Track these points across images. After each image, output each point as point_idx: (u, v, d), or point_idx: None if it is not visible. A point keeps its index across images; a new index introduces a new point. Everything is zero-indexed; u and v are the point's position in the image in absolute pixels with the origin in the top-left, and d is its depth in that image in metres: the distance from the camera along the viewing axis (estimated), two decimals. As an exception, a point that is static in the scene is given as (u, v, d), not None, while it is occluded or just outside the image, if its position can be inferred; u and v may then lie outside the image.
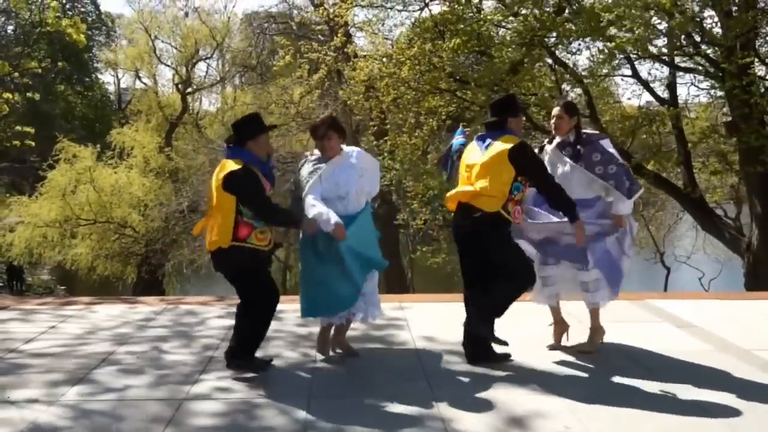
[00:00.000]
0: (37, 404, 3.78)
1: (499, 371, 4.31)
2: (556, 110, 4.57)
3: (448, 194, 4.47)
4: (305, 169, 4.42)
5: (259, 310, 4.24)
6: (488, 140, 4.34)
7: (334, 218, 4.10)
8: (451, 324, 5.44)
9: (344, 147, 4.48)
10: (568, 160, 4.49)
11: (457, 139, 4.76)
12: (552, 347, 4.75)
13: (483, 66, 11.89)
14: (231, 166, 4.11)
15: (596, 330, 4.67)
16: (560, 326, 4.78)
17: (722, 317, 5.72)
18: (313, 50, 14.18)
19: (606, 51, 10.11)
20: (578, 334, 4.82)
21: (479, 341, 4.41)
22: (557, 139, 4.60)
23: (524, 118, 11.37)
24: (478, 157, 4.31)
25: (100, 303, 6.56)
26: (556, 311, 4.77)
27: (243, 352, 4.24)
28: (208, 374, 4.28)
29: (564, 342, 4.77)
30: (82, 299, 6.89)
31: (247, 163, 4.15)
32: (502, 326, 5.06)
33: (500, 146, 4.23)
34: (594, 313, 4.63)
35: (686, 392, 3.93)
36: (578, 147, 4.47)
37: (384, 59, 12.33)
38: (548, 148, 4.66)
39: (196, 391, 3.99)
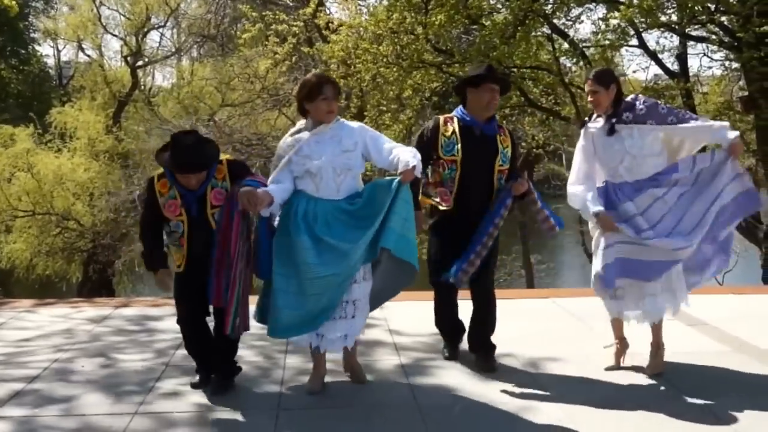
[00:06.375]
0: (-32, 420, 3.75)
1: (488, 375, 4.33)
2: (588, 85, 4.30)
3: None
4: (284, 142, 4.06)
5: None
6: None
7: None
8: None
9: (340, 119, 4.10)
10: (631, 126, 4.20)
11: None
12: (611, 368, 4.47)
13: (474, 36, 11.83)
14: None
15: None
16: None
17: (738, 314, 5.80)
18: (280, 21, 14.07)
19: (612, 20, 10.10)
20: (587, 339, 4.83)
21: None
22: (597, 117, 4.34)
23: (518, 93, 11.43)
24: None
25: (40, 306, 6.50)
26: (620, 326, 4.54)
27: None
28: (162, 384, 4.26)
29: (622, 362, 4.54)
30: (20, 302, 6.83)
31: (161, 177, 3.99)
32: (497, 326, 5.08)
33: None
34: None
35: (698, 397, 3.98)
36: (626, 114, 4.21)
37: (359, 30, 12.23)
38: (592, 127, 4.34)
39: (149, 403, 3.97)
